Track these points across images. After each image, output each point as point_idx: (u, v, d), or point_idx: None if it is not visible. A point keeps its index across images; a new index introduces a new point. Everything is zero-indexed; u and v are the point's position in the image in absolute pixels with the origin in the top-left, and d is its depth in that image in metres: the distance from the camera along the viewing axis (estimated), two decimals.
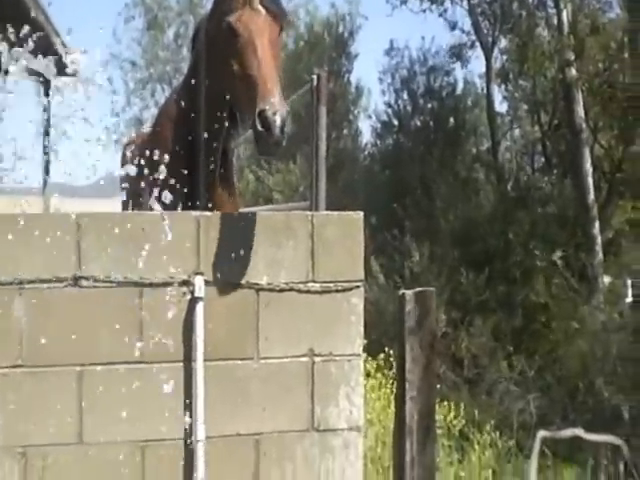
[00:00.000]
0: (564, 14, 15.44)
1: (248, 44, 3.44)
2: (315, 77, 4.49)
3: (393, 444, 3.19)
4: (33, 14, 8.49)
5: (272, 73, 3.37)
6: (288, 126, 3.27)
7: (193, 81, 3.87)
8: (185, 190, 3.79)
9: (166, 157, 3.78)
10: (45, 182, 11.32)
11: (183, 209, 3.61)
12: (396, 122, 20.81)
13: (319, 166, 4.13)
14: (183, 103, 3.96)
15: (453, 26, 20.08)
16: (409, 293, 3.01)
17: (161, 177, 3.72)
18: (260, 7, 3.53)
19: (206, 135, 3.83)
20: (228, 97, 3.65)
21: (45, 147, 11.51)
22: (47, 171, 11.34)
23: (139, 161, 4.10)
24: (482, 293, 12.82)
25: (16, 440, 3.00)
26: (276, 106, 3.19)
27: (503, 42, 19.95)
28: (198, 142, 3.84)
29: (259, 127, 3.18)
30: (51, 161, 11.36)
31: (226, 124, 3.88)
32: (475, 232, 14.53)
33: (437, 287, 12.26)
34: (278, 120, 3.17)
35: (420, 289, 3.04)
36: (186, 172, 3.82)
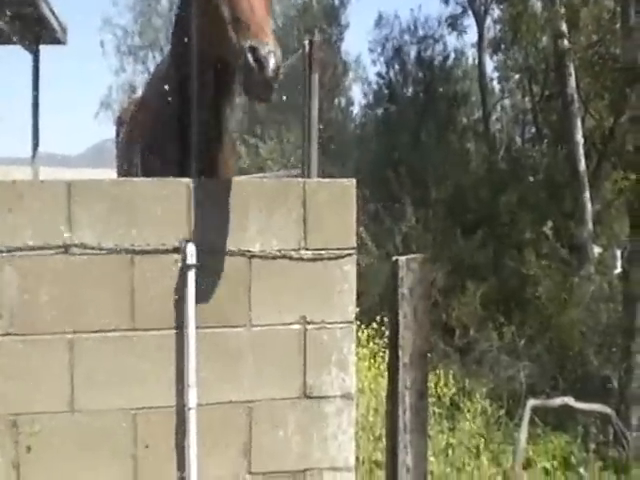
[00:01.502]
0: None
1: None
2: (307, 44, 4.43)
3: (386, 410, 3.20)
4: None
5: (265, 16, 3.24)
6: (281, 73, 3.13)
7: (181, 39, 3.79)
8: (179, 155, 3.75)
9: (159, 122, 3.74)
10: (35, 151, 11.26)
11: (177, 175, 3.57)
12: (387, 92, 20.73)
13: (311, 133, 4.10)
14: (174, 65, 3.89)
15: None
16: (402, 259, 2.99)
17: (154, 143, 3.68)
18: None
19: (199, 98, 3.76)
20: (217, 50, 3.53)
21: (34, 115, 11.47)
22: (36, 140, 11.27)
23: (132, 128, 4.06)
24: (473, 261, 12.86)
25: (7, 408, 3.00)
26: (270, 46, 3.04)
27: (496, 12, 19.84)
28: (192, 106, 3.78)
29: (250, 61, 3.01)
30: (41, 130, 11.30)
31: (219, 83, 3.81)
32: (465, 201, 14.54)
33: (428, 255, 12.34)
34: (272, 59, 3.01)
35: (413, 255, 3.03)
36: (180, 137, 3.78)
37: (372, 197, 13.31)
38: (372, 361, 6.00)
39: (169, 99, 3.88)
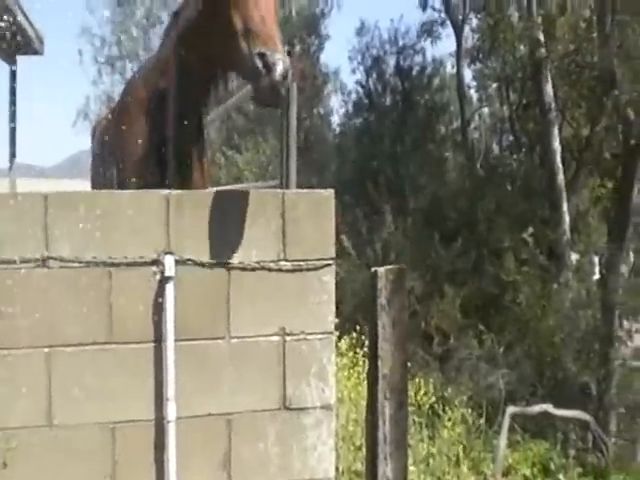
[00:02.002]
0: None
1: None
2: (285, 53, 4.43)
3: (365, 421, 3.20)
4: None
5: (274, 26, 3.35)
6: (289, 78, 3.20)
7: (169, 53, 3.81)
8: (157, 168, 3.75)
9: (138, 133, 3.73)
10: (12, 163, 11.19)
11: (155, 187, 3.56)
12: (366, 101, 20.79)
13: (290, 144, 4.10)
14: (156, 77, 3.89)
15: (424, 4, 20.05)
16: (381, 270, 3.00)
17: (133, 155, 3.67)
18: None
19: (182, 110, 3.77)
20: (219, 62, 3.58)
21: (11, 126, 11.38)
22: (13, 151, 11.20)
23: (110, 139, 4.04)
24: (452, 269, 12.90)
25: None
26: (279, 53, 3.15)
27: (474, 21, 19.97)
28: (172, 117, 3.78)
29: (259, 66, 3.11)
30: (17, 141, 11.22)
31: (205, 96, 3.83)
32: (444, 209, 14.60)
33: (407, 263, 12.40)
34: (280, 65, 3.10)
35: (392, 266, 3.03)
36: (158, 149, 3.78)
37: (351, 206, 13.34)
38: (352, 371, 6.00)
39: (150, 106, 3.87)
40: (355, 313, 9.37)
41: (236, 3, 3.38)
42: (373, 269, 3.04)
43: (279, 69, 3.08)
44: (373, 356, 3.03)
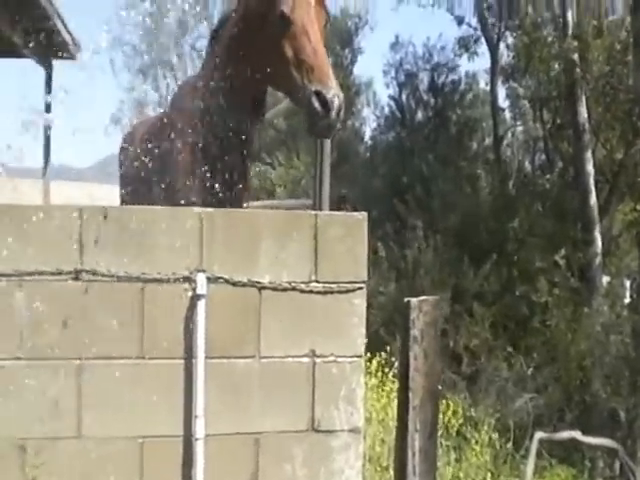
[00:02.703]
0: (569, 14, 15.39)
1: (303, 32, 3.48)
2: None
3: (395, 453, 3.17)
4: None
5: (326, 60, 3.45)
6: (342, 113, 3.32)
7: (217, 71, 3.84)
8: (198, 182, 3.78)
9: (180, 148, 3.76)
10: (46, 164, 11.34)
11: (196, 202, 3.60)
12: (399, 116, 20.78)
13: (323, 164, 4.11)
14: (204, 92, 3.91)
15: (460, 21, 19.99)
16: (414, 301, 2.99)
17: (173, 169, 3.70)
18: None
19: (231, 126, 3.81)
20: (268, 84, 3.67)
21: (45, 129, 11.54)
22: (47, 154, 11.36)
23: (146, 152, 4.07)
24: (481, 289, 12.81)
25: (15, 432, 2.99)
26: (334, 90, 3.27)
27: (509, 39, 19.88)
28: (219, 133, 3.81)
29: (317, 106, 3.25)
30: (51, 143, 11.38)
31: (253, 114, 3.88)
32: (474, 228, 14.52)
33: (437, 281, 12.35)
34: (336, 102, 3.24)
35: (425, 297, 3.02)
36: (203, 164, 3.81)
37: (381, 220, 13.31)
38: (380, 390, 5.97)
39: (193, 123, 3.89)
40: (383, 329, 9.35)
41: (286, 31, 3.45)
42: (406, 299, 3.02)
43: (335, 106, 3.21)
44: (404, 387, 3.01)
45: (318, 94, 3.24)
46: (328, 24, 3.72)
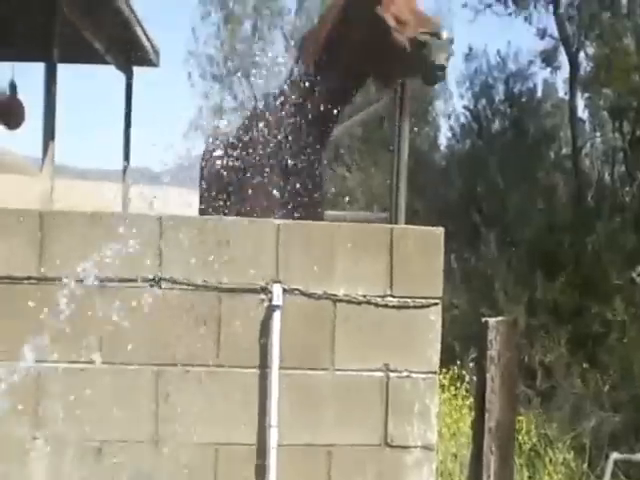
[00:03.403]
0: None
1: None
2: (399, 86, 4.45)
3: (469, 474, 3.14)
4: (118, 4, 8.67)
5: (422, 11, 3.67)
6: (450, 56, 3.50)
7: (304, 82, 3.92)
8: (277, 192, 3.82)
9: (260, 158, 3.81)
10: (126, 169, 11.60)
11: (274, 211, 3.65)
12: (475, 125, 20.57)
13: (400, 179, 4.10)
14: (288, 101, 3.95)
15: (542, 33, 19.67)
16: (492, 321, 2.95)
17: (252, 179, 3.75)
18: None
19: (313, 134, 3.85)
20: (371, 71, 3.79)
21: (126, 134, 11.83)
22: (127, 158, 11.62)
23: (227, 163, 4.13)
24: (557, 303, 12.56)
25: (92, 435, 3.07)
26: (439, 32, 3.47)
27: (589, 49, 19.49)
28: (300, 141, 3.85)
29: (423, 38, 3.42)
30: (131, 147, 11.65)
31: (334, 122, 3.93)
32: (550, 241, 14.25)
33: (511, 295, 12.16)
34: (445, 33, 3.45)
35: (503, 318, 2.98)
36: (281, 174, 3.85)
37: (455, 232, 13.17)
38: (453, 404, 5.91)
39: (274, 131, 3.94)
40: (454, 341, 9.23)
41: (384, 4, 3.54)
42: (484, 319, 2.99)
43: (444, 35, 3.43)
44: (480, 408, 2.97)
45: (424, 33, 3.42)
46: None
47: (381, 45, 3.60)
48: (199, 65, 24.30)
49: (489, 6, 18.64)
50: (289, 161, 3.85)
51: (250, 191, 3.95)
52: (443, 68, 3.48)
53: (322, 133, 3.90)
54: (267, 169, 3.90)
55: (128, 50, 10.82)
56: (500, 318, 2.98)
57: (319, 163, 3.96)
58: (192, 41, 24.54)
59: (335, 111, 3.87)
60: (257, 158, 3.92)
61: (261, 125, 4.02)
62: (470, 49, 21.54)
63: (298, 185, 3.85)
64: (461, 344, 8.34)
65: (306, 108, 3.83)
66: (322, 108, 3.80)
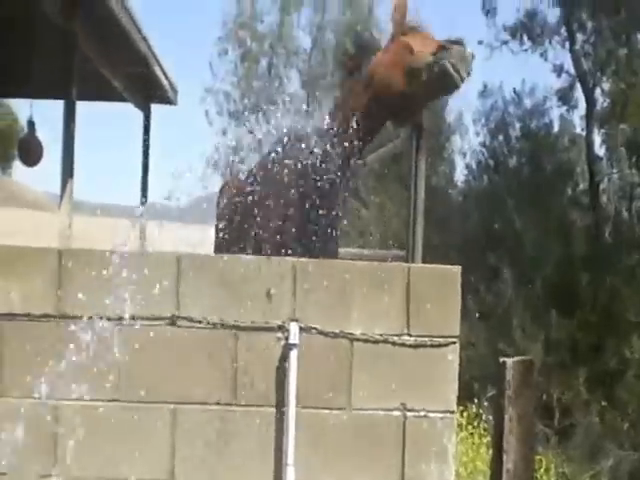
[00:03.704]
0: None
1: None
2: (415, 127, 4.49)
3: None
4: (136, 42, 8.79)
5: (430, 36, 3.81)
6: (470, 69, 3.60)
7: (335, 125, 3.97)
8: (294, 230, 3.84)
9: (280, 199, 3.83)
10: (143, 206, 11.67)
11: (291, 249, 3.66)
12: (491, 162, 20.59)
13: (417, 217, 4.12)
14: (305, 147, 3.98)
15: (559, 71, 19.75)
16: (510, 362, 2.94)
17: (270, 218, 3.77)
18: None
19: (332, 176, 3.88)
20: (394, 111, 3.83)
21: (144, 171, 11.93)
22: (145, 194, 11.71)
23: (246, 202, 4.15)
24: (574, 341, 12.47)
25: (110, 473, 3.07)
26: (454, 49, 3.59)
27: (605, 85, 19.53)
28: (319, 181, 3.87)
29: (449, 67, 3.54)
30: (149, 183, 11.74)
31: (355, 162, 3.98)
32: (568, 278, 14.18)
33: (528, 332, 12.09)
34: (465, 59, 3.58)
35: (521, 358, 2.97)
36: (299, 213, 3.86)
37: (472, 268, 13.13)
38: (471, 442, 5.85)
39: (295, 171, 3.96)
40: (473, 380, 9.17)
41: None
42: (502, 360, 2.98)
43: (455, 50, 3.55)
44: (497, 449, 2.95)
45: (441, 59, 3.56)
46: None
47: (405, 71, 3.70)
48: (216, 102, 24.54)
49: (505, 43, 18.74)
50: (306, 199, 3.87)
51: (267, 228, 3.96)
52: (461, 73, 3.57)
53: (342, 172, 3.91)
54: (283, 208, 3.92)
55: (146, 88, 10.96)
56: (518, 358, 2.97)
57: (336, 201, 3.97)
58: (209, 77, 24.76)
59: (356, 150, 3.90)
60: (274, 196, 3.94)
61: (278, 164, 4.04)
62: (485, 86, 21.66)
63: (315, 223, 3.86)
64: (478, 382, 8.28)
65: (326, 150, 3.85)
66: (343, 150, 3.83)
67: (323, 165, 3.83)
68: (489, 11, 18.57)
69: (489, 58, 19.80)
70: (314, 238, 3.87)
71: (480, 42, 18.94)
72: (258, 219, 4.11)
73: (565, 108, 21.46)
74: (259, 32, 23.89)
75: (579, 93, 20.41)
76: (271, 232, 3.96)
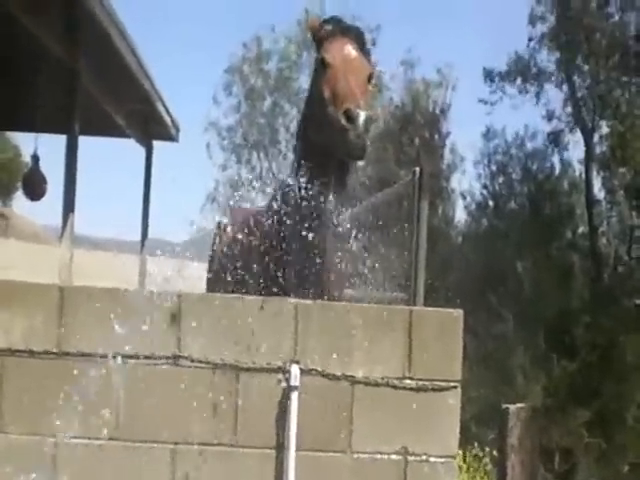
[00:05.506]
0: None
1: (340, 74, 3.61)
2: (417, 171, 4.51)
3: None
4: (140, 80, 8.89)
5: (359, 84, 3.57)
6: (373, 130, 3.40)
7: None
8: (295, 273, 3.83)
9: (280, 240, 3.83)
10: (143, 241, 11.72)
11: (290, 289, 3.66)
12: (491, 204, 20.68)
13: (418, 260, 4.13)
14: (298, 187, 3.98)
15: (550, 116, 19.99)
16: (512, 408, 2.93)
17: (269, 259, 3.77)
18: (351, 49, 3.73)
19: (327, 219, 3.86)
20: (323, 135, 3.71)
21: (144, 206, 11.99)
22: (145, 230, 11.75)
23: (243, 243, 4.16)
24: (573, 384, 12.42)
25: None
26: (361, 106, 3.35)
27: (604, 129, 19.69)
28: (315, 223, 3.86)
29: (343, 122, 3.33)
30: (149, 218, 11.79)
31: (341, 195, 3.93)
32: (567, 321, 14.17)
33: (528, 374, 12.05)
34: (362, 115, 3.31)
35: (523, 405, 2.96)
36: (301, 254, 3.85)
37: (473, 310, 13.11)
38: None
39: (286, 213, 3.96)
40: (473, 421, 9.12)
41: (327, 78, 3.61)
42: (504, 406, 2.96)
43: (362, 118, 3.30)
44: None
45: (346, 112, 3.34)
46: (373, 78, 3.80)
47: (322, 120, 3.61)
48: (219, 134, 24.67)
49: (503, 92, 19.05)
50: (306, 242, 3.86)
51: (266, 270, 3.96)
52: (359, 143, 3.38)
53: (336, 214, 3.91)
54: (283, 249, 3.92)
55: (148, 125, 11.06)
56: (520, 405, 2.96)
57: (335, 244, 3.97)
58: (213, 111, 24.91)
59: (342, 192, 3.88)
60: (273, 238, 3.95)
61: (275, 207, 4.05)
62: (488, 129, 21.83)
63: (315, 265, 3.86)
64: (479, 425, 8.22)
65: (314, 191, 3.84)
66: (329, 192, 3.82)
67: (317, 209, 3.82)
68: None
69: (490, 113, 20.10)
70: (314, 279, 3.86)
71: (480, 101, 19.35)
72: (254, 260, 4.12)
73: (562, 154, 21.66)
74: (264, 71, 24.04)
75: (575, 136, 20.60)
76: (256, 277, 3.97)
